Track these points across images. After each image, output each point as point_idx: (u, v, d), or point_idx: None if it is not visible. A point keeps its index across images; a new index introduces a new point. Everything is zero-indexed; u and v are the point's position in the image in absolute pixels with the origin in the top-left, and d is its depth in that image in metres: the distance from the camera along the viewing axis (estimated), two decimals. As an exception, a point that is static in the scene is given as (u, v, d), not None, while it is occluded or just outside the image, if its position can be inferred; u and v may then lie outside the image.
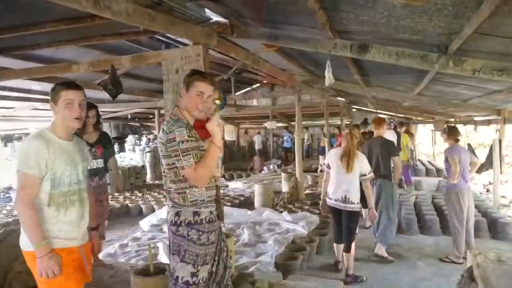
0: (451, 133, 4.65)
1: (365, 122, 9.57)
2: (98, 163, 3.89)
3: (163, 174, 2.18)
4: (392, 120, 10.10)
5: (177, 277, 2.07)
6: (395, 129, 8.36)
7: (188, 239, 2.07)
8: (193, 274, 2.06)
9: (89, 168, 2.55)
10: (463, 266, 3.85)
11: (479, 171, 9.34)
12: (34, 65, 5.37)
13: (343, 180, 3.89)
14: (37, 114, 11.39)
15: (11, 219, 4.08)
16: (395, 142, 8.13)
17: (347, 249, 3.94)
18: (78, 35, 4.14)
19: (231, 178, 11.41)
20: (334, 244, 4.27)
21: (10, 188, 9.74)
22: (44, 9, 3.23)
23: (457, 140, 4.64)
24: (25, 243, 1.94)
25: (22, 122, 13.29)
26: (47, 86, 7.78)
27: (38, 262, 1.87)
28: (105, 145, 3.99)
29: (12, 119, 11.28)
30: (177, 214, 2.10)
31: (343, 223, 3.97)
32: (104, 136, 4.09)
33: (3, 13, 3.36)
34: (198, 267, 2.07)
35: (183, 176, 2.06)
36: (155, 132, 15.14)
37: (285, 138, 17.48)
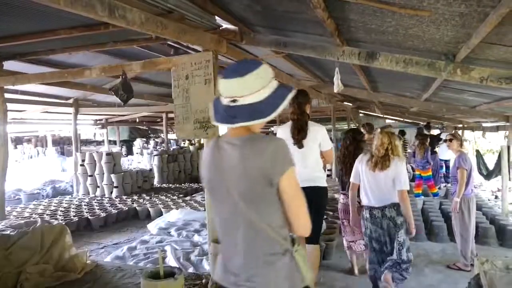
0: (460, 141, 4.62)
1: (428, 126, 9.69)
2: None
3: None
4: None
5: None
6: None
7: None
8: None
9: None
10: (470, 274, 3.84)
11: (487, 177, 9.36)
12: (46, 69, 5.47)
13: None
14: (48, 117, 11.56)
15: (22, 221, 4.15)
16: None
17: None
18: (91, 41, 4.23)
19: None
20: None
21: (20, 190, 9.88)
22: (59, 16, 3.32)
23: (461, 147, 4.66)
24: None
25: (32, 125, 13.50)
26: (58, 90, 7.92)
27: None
28: None
29: (23, 122, 11.46)
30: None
31: None
32: None
33: (18, 20, 3.46)
34: None
35: None
36: (163, 135, 15.27)
37: None
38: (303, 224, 1.48)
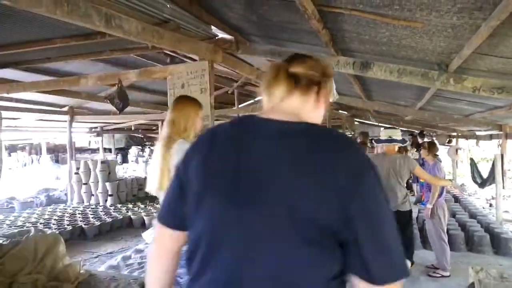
0: (431, 149, 4.76)
1: (422, 134, 9.73)
2: None
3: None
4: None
5: None
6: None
7: None
8: None
9: None
10: (464, 282, 3.85)
11: (482, 185, 9.41)
12: (41, 77, 5.45)
13: None
14: (42, 125, 11.50)
15: (16, 230, 4.11)
16: None
17: None
18: (87, 49, 4.24)
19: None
20: None
21: (13, 198, 9.79)
22: (55, 25, 3.33)
23: (436, 156, 4.75)
24: None
25: (27, 133, 13.41)
26: (53, 98, 7.89)
27: None
28: None
29: (17, 130, 11.39)
30: None
31: None
32: None
33: (13, 28, 3.47)
34: None
35: None
36: (158, 143, 15.20)
37: None
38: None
